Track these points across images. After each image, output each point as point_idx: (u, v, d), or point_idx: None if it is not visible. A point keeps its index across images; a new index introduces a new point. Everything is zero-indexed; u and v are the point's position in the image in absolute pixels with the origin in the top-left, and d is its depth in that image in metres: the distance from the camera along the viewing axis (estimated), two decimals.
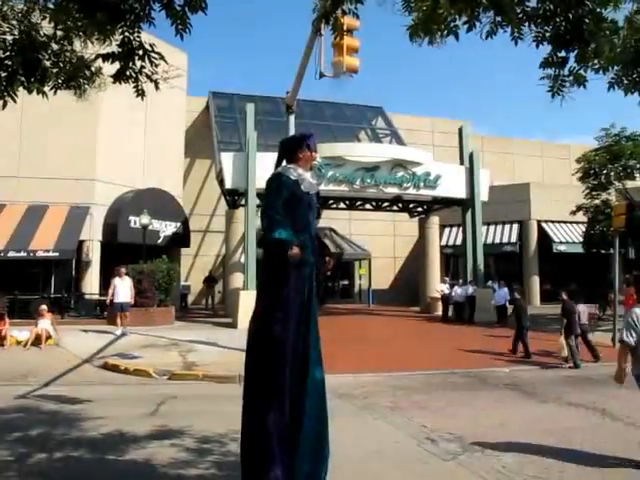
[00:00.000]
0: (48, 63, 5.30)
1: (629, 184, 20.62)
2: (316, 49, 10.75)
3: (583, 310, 13.14)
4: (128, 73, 4.85)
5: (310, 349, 3.86)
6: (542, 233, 28.65)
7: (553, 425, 6.86)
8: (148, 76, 4.99)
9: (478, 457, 5.44)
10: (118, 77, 4.85)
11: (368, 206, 24.37)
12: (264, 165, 18.82)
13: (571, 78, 4.38)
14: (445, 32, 4.45)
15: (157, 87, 5.12)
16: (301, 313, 3.86)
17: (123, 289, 15.62)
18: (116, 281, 15.64)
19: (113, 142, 21.31)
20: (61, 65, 5.43)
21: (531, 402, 8.35)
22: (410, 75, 75.78)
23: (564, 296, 13.18)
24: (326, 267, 4.09)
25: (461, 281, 22.27)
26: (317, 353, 3.92)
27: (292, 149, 4.21)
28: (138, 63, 4.80)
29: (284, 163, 4.27)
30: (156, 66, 4.92)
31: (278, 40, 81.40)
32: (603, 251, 21.41)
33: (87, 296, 20.27)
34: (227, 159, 19.62)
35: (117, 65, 4.77)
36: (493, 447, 5.74)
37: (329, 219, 27.73)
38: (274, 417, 3.72)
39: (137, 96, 5.10)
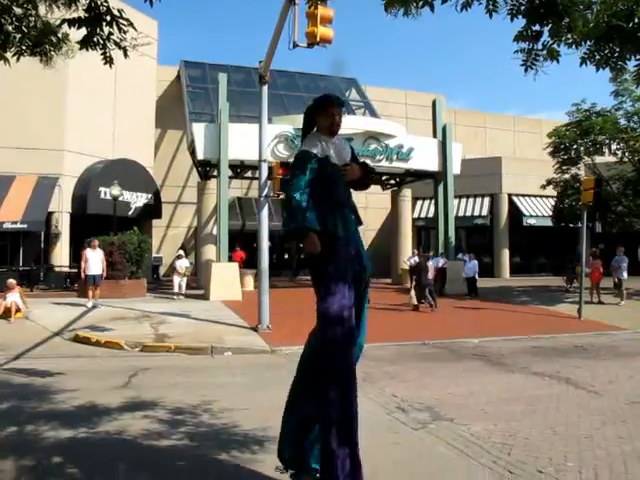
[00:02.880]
0: (10, 28, 5.11)
1: (598, 159, 20.96)
2: (290, 18, 10.54)
3: (430, 267, 16.49)
4: (96, 40, 4.70)
5: (363, 323, 3.89)
6: (513, 206, 29.04)
7: (520, 394, 7.04)
8: (116, 43, 4.84)
9: (447, 425, 5.56)
10: (85, 43, 4.70)
11: None
12: (236, 136, 18.67)
13: (545, 52, 4.39)
14: (420, 3, 4.40)
15: (126, 54, 4.98)
16: (356, 288, 3.74)
17: (95, 261, 15.41)
18: (88, 253, 15.41)
19: (82, 111, 20.80)
20: (25, 30, 5.24)
21: (499, 372, 8.55)
22: (385, 47, 75.31)
23: (417, 258, 17.48)
24: (349, 173, 3.68)
25: (432, 253, 22.51)
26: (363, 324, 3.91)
27: (309, 115, 3.83)
28: (106, 29, 4.65)
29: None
30: (125, 33, 4.77)
31: (251, 10, 79.90)
32: (572, 225, 21.83)
33: (57, 268, 19.98)
34: (199, 130, 19.33)
35: (84, 31, 4.62)
36: (462, 416, 5.88)
37: None
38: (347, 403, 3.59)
39: (105, 63, 4.96)
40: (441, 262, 20.72)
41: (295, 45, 10.33)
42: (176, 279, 18.24)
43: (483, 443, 5.05)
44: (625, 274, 17.54)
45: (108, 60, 4.95)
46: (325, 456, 3.56)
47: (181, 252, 19.52)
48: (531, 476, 4.30)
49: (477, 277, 20.34)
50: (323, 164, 3.67)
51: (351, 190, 3.89)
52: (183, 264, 18.64)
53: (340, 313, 3.57)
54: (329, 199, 3.68)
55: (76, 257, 17.33)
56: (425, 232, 30.14)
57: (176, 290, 18.05)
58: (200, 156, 19.44)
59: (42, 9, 5.39)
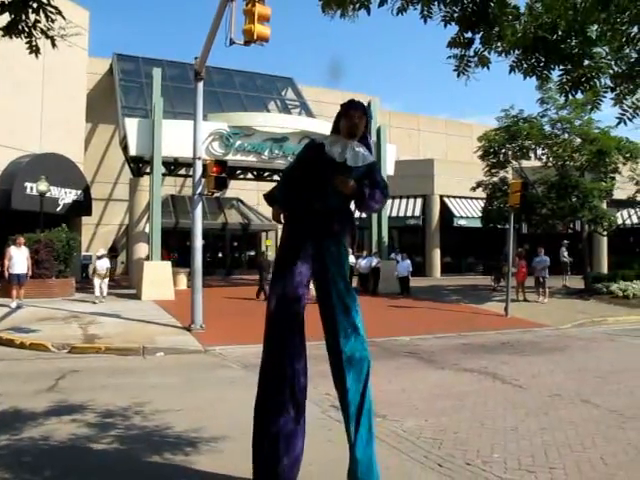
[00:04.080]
0: None
1: (525, 163, 21.81)
2: (227, 15, 10.43)
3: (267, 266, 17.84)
4: (20, 27, 4.48)
5: (336, 322, 3.69)
6: (444, 207, 29.82)
7: (450, 390, 7.26)
8: (43, 31, 4.62)
9: (380, 422, 5.65)
10: (9, 31, 4.47)
11: (276, 177, 24.21)
12: (170, 132, 18.30)
13: (476, 59, 4.54)
14: (357, 5, 4.45)
15: (54, 44, 4.77)
16: (319, 287, 3.74)
17: (20, 259, 14.71)
18: (12, 251, 14.70)
19: (5, 102, 19.80)
20: None
21: (430, 369, 8.78)
22: (322, 47, 75.72)
23: (261, 259, 19.31)
24: (338, 182, 3.57)
25: (365, 253, 22.79)
26: (348, 325, 3.71)
27: (336, 119, 3.97)
28: (32, 16, 4.44)
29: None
30: (52, 21, 4.57)
31: (187, 5, 78.49)
32: (499, 226, 22.60)
33: None
34: (132, 125, 18.82)
35: (7, 17, 4.40)
36: (394, 412, 6.00)
37: (236, 189, 27.45)
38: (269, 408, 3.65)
39: (30, 52, 4.73)
40: (374, 262, 21.05)
41: (232, 42, 10.23)
42: (97, 281, 16.35)
43: (415, 438, 5.18)
44: (547, 273, 18.38)
45: (34, 49, 4.72)
46: (254, 445, 3.71)
47: (102, 251, 18.09)
48: (460, 469, 4.45)
49: (410, 277, 20.77)
50: (316, 151, 3.79)
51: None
52: (104, 265, 16.86)
53: (276, 306, 3.72)
54: (307, 185, 3.79)
55: None
56: (359, 232, 30.47)
57: (97, 293, 16.18)
58: (132, 152, 18.93)
59: None
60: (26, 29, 4.49)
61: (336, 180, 3.57)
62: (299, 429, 3.69)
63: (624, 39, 4.17)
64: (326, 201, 3.72)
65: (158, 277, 17.51)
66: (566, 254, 23.52)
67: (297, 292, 3.68)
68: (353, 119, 3.78)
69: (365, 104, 4.07)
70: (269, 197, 3.99)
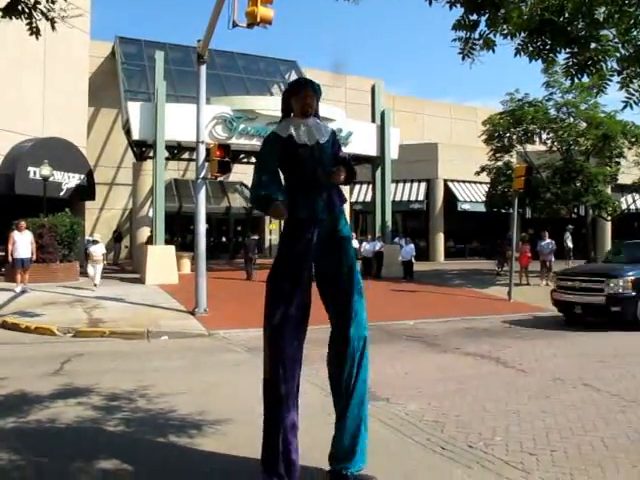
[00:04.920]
0: None
1: (529, 147, 21.71)
2: None
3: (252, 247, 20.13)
4: (20, 8, 4.45)
5: (339, 306, 3.84)
6: (448, 192, 29.74)
7: (452, 373, 7.29)
8: (43, 13, 4.59)
9: (383, 405, 5.70)
10: (9, 12, 4.44)
11: None
12: (173, 116, 18.24)
13: (481, 42, 4.50)
14: None
15: (53, 26, 4.74)
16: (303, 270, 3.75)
17: (23, 244, 14.76)
18: (15, 235, 14.75)
19: (7, 86, 19.72)
20: None
21: (433, 352, 8.81)
22: (325, 32, 75.04)
23: (246, 241, 20.81)
24: (335, 177, 3.67)
25: (369, 237, 22.79)
26: (349, 309, 3.87)
27: (285, 100, 3.88)
28: None
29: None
30: (53, 2, 4.54)
31: None
32: (503, 210, 22.56)
33: None
34: (134, 109, 18.75)
35: None
36: (397, 395, 6.03)
37: (240, 173, 27.38)
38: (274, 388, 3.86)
39: (31, 34, 4.68)
40: (378, 246, 21.05)
41: (235, 25, 10.16)
42: (92, 268, 15.72)
43: (417, 421, 5.21)
44: (553, 257, 18.38)
45: (34, 31, 4.68)
46: (264, 440, 3.75)
47: (96, 236, 17.72)
48: (462, 451, 4.48)
49: (414, 261, 20.79)
50: (286, 144, 3.72)
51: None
52: (99, 250, 16.16)
53: (274, 312, 3.78)
54: (293, 179, 3.77)
55: (3, 240, 16.51)
56: (363, 216, 30.49)
57: (97, 280, 15.68)
58: (135, 136, 18.89)
59: None
60: (26, 10, 4.47)
61: (334, 177, 3.66)
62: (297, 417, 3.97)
63: (632, 21, 4.13)
64: (323, 187, 3.72)
65: (162, 261, 17.56)
66: (570, 239, 23.48)
67: (300, 295, 3.74)
68: (305, 99, 3.78)
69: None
70: (262, 200, 3.66)
